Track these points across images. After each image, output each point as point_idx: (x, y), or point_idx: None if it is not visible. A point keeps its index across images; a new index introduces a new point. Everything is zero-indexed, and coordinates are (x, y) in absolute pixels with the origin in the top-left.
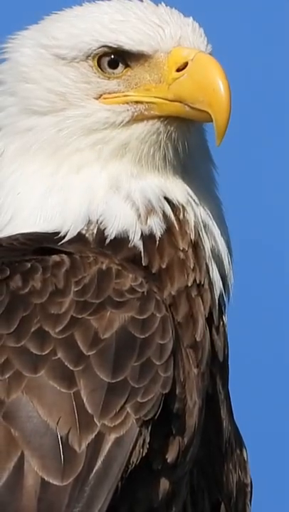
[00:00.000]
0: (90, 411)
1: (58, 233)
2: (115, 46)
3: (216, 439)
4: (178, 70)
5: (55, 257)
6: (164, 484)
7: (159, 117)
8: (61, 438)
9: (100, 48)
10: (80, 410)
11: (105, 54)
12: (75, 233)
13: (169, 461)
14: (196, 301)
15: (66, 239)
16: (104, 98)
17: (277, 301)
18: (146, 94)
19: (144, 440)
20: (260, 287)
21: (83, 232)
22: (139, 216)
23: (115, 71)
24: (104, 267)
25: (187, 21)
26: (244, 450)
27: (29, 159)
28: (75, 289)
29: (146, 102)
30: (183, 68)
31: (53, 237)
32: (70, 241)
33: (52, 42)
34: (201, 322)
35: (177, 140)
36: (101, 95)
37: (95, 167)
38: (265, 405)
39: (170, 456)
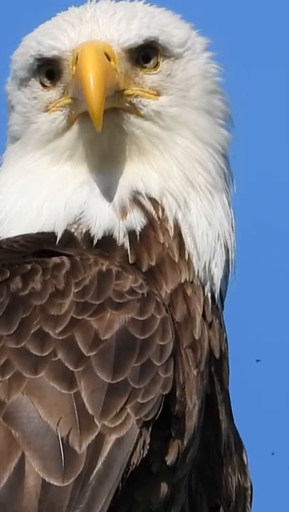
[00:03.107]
0: (90, 412)
1: (55, 235)
2: (39, 57)
3: (214, 441)
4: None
5: (56, 259)
6: (164, 487)
7: (78, 115)
8: (62, 439)
9: (35, 62)
10: (81, 411)
11: (42, 66)
12: (60, 235)
13: (168, 463)
14: (192, 299)
15: (58, 241)
16: (49, 109)
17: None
18: (66, 96)
19: (144, 441)
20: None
21: (72, 230)
22: (116, 212)
23: (51, 81)
24: (104, 268)
25: (109, 14)
26: (244, 453)
27: (7, 179)
28: (75, 291)
29: (67, 104)
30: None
31: (52, 239)
32: (67, 244)
33: (14, 65)
34: (199, 319)
35: (96, 136)
36: (48, 107)
37: (55, 173)
38: (265, 408)
39: (170, 459)
